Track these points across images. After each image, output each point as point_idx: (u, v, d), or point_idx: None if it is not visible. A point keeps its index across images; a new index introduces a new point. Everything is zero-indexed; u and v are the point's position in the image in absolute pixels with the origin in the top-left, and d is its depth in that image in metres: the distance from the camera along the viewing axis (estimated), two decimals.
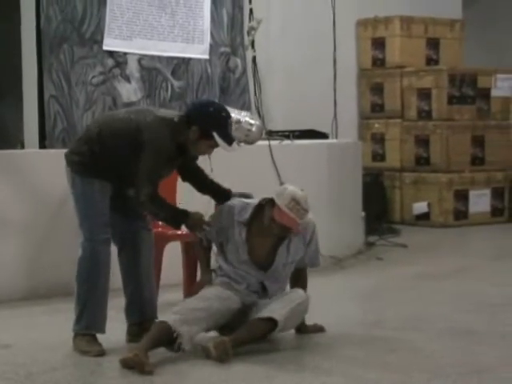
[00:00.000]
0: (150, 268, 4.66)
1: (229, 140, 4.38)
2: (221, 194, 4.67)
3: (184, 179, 4.71)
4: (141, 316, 4.61)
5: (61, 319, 4.92)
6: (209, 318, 4.36)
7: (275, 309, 4.40)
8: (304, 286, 4.70)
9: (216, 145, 4.39)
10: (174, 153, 4.39)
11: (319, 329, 4.75)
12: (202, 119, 4.36)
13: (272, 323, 4.37)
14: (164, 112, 4.56)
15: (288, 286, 4.71)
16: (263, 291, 4.57)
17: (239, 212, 4.55)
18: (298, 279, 4.69)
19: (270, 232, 4.48)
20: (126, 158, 4.36)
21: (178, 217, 4.47)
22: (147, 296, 4.63)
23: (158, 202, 4.37)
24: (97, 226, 4.41)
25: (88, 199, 4.42)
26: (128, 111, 4.59)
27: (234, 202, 4.60)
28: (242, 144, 6.16)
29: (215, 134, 4.33)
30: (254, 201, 4.61)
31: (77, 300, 4.47)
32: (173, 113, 4.59)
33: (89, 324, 4.45)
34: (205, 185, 4.68)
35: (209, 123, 4.34)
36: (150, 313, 4.63)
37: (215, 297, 4.43)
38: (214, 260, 4.72)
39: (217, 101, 6.47)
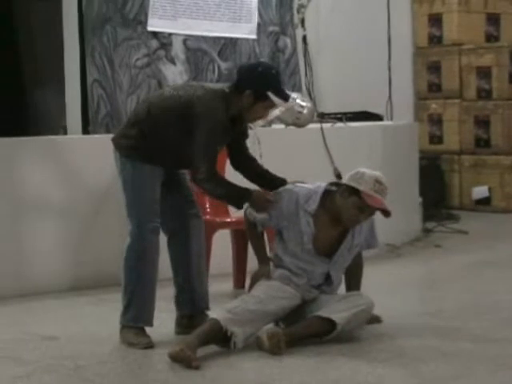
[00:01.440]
0: (200, 256, 4.51)
1: (284, 96, 4.31)
2: (276, 184, 4.45)
3: (236, 167, 4.52)
4: (192, 308, 4.48)
5: (107, 310, 4.88)
6: (262, 320, 4.22)
7: (337, 310, 4.25)
8: (360, 273, 4.56)
9: (272, 104, 4.31)
10: (228, 124, 4.26)
11: (375, 319, 4.60)
12: (253, 82, 4.26)
13: (330, 324, 4.22)
14: (213, 85, 4.51)
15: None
16: (327, 281, 4.40)
17: (306, 201, 4.33)
18: (353, 264, 4.50)
19: (350, 221, 4.28)
20: (179, 137, 4.23)
21: (240, 195, 4.30)
22: (197, 286, 4.48)
23: (217, 180, 4.24)
24: (146, 214, 4.28)
25: (138, 186, 4.28)
26: (175, 88, 4.49)
27: (295, 188, 4.39)
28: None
29: (270, 93, 4.24)
30: (314, 186, 4.41)
31: (124, 291, 4.34)
32: (221, 84, 4.50)
33: (136, 316, 4.33)
34: (258, 174, 4.48)
35: (261, 84, 4.26)
36: (201, 304, 4.49)
37: (271, 298, 4.25)
38: (268, 247, 4.57)
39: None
